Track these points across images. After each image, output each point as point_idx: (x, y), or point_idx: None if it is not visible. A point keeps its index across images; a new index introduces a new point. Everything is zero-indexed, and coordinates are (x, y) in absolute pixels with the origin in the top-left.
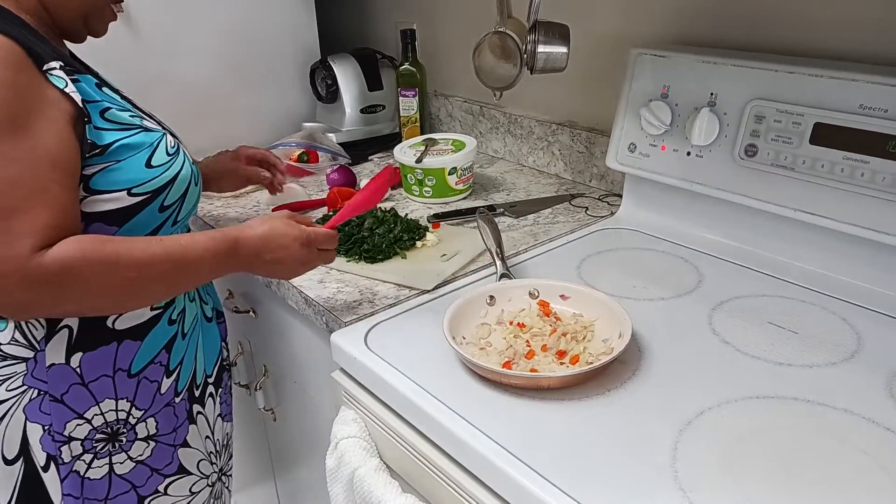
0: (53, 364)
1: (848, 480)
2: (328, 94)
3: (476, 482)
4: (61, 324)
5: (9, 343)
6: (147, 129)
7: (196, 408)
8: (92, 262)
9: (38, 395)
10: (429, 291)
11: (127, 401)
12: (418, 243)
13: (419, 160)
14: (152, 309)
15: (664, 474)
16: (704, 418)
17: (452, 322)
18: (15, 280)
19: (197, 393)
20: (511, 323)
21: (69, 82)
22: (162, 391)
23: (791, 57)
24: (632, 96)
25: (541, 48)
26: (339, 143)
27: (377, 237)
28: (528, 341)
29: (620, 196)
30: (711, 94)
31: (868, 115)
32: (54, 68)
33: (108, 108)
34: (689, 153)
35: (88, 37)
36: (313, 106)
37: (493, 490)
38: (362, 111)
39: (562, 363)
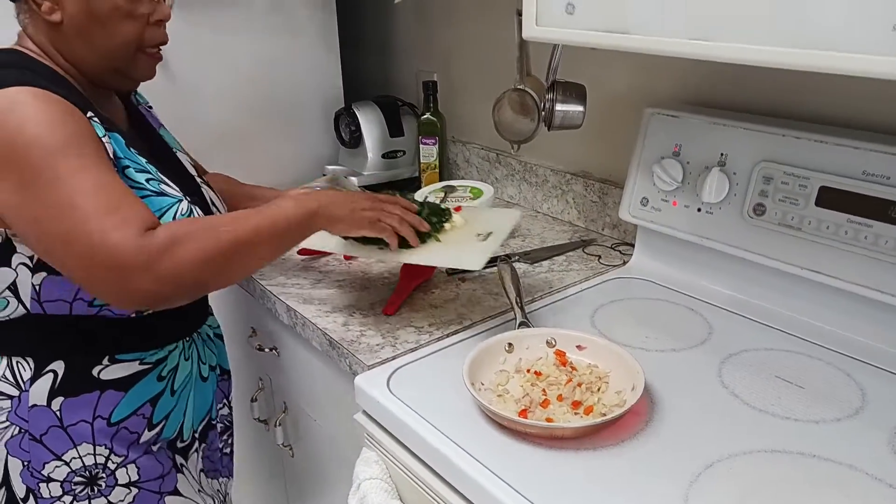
0: (35, 405)
1: None
2: (351, 139)
3: None
4: (48, 367)
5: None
6: (161, 195)
7: (179, 459)
8: (194, 228)
9: (20, 432)
10: (478, 271)
11: (105, 447)
12: (446, 225)
13: None
14: (141, 363)
15: None
16: (714, 471)
17: (472, 368)
18: (139, 259)
19: (180, 446)
20: (528, 371)
21: (105, 132)
22: (140, 441)
23: (799, 122)
24: (645, 153)
25: (559, 107)
26: (361, 187)
27: None
28: (544, 390)
29: (632, 245)
30: (722, 154)
31: (871, 181)
32: (92, 117)
33: (127, 167)
34: (699, 209)
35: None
36: (336, 150)
37: None
38: (384, 156)
39: (576, 413)
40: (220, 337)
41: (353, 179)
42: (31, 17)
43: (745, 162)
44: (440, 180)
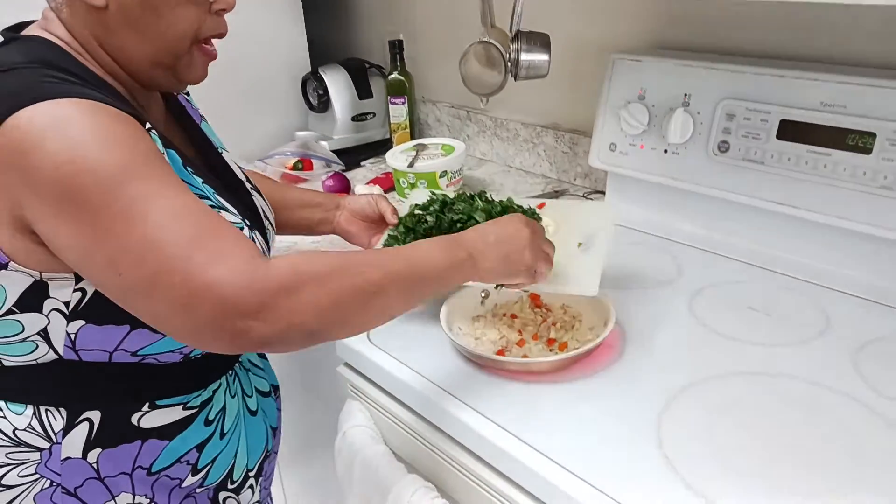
0: (69, 458)
1: (816, 444)
2: (320, 103)
3: (477, 460)
4: (81, 417)
5: (25, 430)
6: None
7: (223, 494)
8: (321, 267)
9: (51, 485)
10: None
11: (146, 497)
12: None
13: (411, 165)
14: (185, 408)
15: (650, 445)
16: (685, 395)
17: (449, 315)
18: (253, 300)
19: (231, 486)
20: (504, 315)
21: (164, 151)
22: (182, 486)
23: (758, 59)
24: (611, 99)
25: (523, 56)
26: (333, 151)
27: None
28: (519, 331)
29: (604, 193)
30: (685, 95)
31: (828, 112)
32: (151, 129)
33: None
34: (666, 150)
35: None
36: (305, 116)
37: (493, 467)
38: (353, 119)
39: (551, 350)
40: (263, 355)
41: (325, 144)
42: None
43: (708, 101)
44: (411, 140)
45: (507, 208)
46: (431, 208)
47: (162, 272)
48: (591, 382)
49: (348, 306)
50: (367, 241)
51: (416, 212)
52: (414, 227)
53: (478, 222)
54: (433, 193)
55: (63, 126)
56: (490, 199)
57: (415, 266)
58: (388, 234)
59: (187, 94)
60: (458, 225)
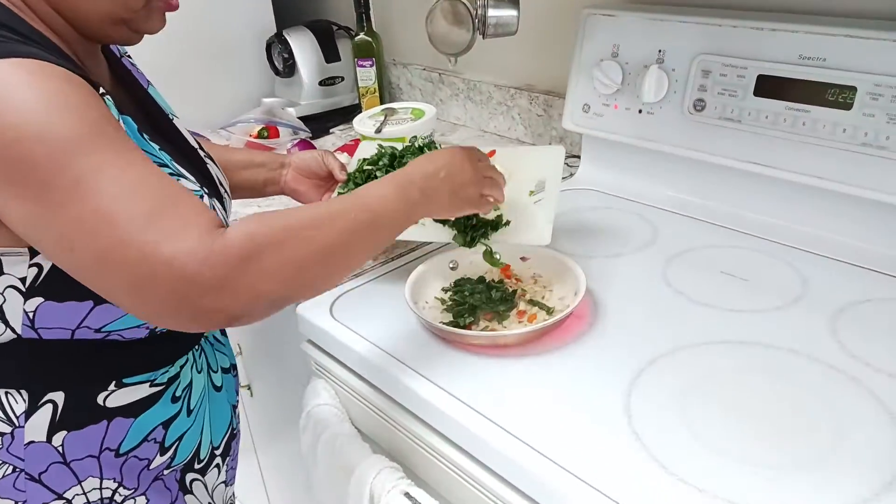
0: (32, 441)
1: (792, 416)
2: (285, 68)
3: (444, 440)
4: (45, 398)
5: None
6: None
7: (191, 476)
8: (278, 230)
9: (13, 471)
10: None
11: (114, 480)
12: None
13: (378, 130)
14: (152, 385)
15: (618, 420)
16: (656, 366)
17: (415, 288)
18: (206, 271)
19: (198, 466)
20: None
21: (119, 117)
22: (150, 468)
23: (734, 10)
24: (583, 57)
25: (491, 12)
26: (300, 117)
27: None
28: None
29: (580, 157)
30: (659, 51)
31: (808, 66)
32: (105, 94)
33: None
34: (640, 111)
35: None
36: (272, 81)
37: (460, 447)
38: (321, 84)
39: (521, 322)
40: (224, 332)
41: (291, 110)
42: None
43: (683, 57)
44: (381, 104)
45: None
46: (381, 162)
47: (115, 248)
48: (560, 355)
49: (310, 267)
50: (316, 199)
51: (366, 167)
52: (364, 184)
53: None
54: (380, 146)
55: (8, 89)
56: (440, 147)
57: (372, 213)
58: (338, 192)
59: (129, 56)
60: None
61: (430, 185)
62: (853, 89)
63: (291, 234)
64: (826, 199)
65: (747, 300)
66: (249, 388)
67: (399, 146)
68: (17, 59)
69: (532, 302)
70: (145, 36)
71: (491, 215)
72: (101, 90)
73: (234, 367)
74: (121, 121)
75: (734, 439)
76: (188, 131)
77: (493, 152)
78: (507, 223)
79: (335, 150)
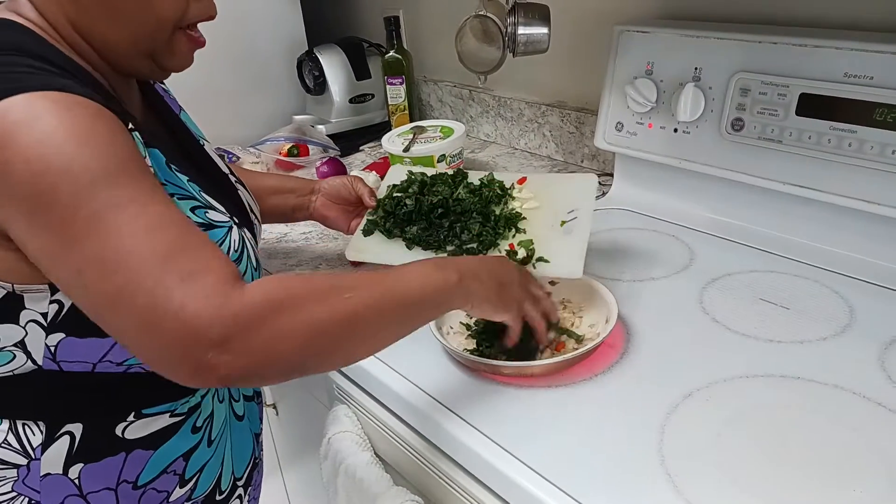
0: (49, 474)
1: (835, 461)
2: (316, 85)
3: (467, 475)
4: (62, 431)
5: (0, 446)
6: (211, 225)
7: None
8: (300, 291)
9: (29, 503)
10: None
11: None
12: (515, 203)
13: (407, 149)
14: (172, 416)
15: (651, 461)
16: (692, 401)
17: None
18: (219, 332)
19: (219, 497)
20: None
21: (146, 151)
22: (170, 500)
23: (774, 27)
24: (616, 74)
25: (521, 30)
26: (331, 135)
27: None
28: None
29: (612, 175)
30: (696, 68)
31: (853, 84)
32: (133, 129)
33: (171, 196)
34: (675, 130)
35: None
36: (303, 99)
37: (484, 483)
38: (351, 101)
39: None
40: None
41: (321, 128)
42: None
43: (721, 75)
44: (410, 122)
45: (490, 182)
46: (411, 189)
47: (126, 289)
48: (591, 386)
49: (330, 336)
50: (345, 226)
51: (395, 194)
52: (394, 212)
53: (460, 204)
54: (410, 172)
55: (38, 122)
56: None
57: (405, 288)
58: (367, 219)
59: (163, 83)
60: (440, 210)
61: (472, 272)
62: None
63: (313, 296)
64: (874, 223)
65: (789, 330)
66: (275, 408)
67: (430, 171)
68: (50, 93)
69: (561, 329)
70: None
71: (521, 252)
72: (130, 126)
73: (257, 394)
74: (148, 155)
75: (774, 485)
76: (219, 155)
77: (523, 179)
78: (542, 259)
79: (364, 169)
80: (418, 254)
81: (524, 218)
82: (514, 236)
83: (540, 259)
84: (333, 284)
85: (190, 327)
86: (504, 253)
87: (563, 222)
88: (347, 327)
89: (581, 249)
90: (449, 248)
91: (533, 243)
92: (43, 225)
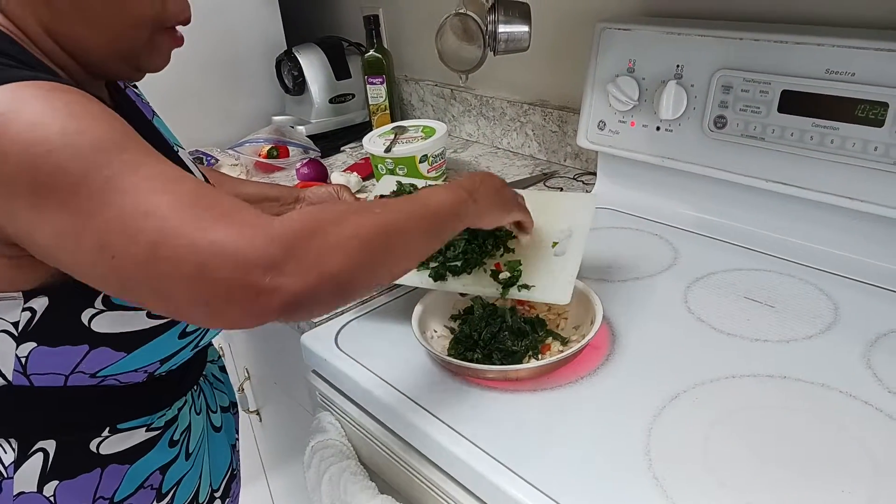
0: (22, 492)
1: (823, 460)
2: (295, 85)
3: (453, 482)
4: (35, 448)
5: None
6: None
7: None
8: (334, 210)
9: None
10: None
11: None
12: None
13: (388, 149)
14: (148, 430)
15: (638, 463)
16: (678, 402)
17: (422, 316)
18: (272, 252)
19: None
20: None
21: None
22: None
23: (756, 24)
24: (598, 72)
25: (501, 28)
26: (311, 135)
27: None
28: None
29: (595, 174)
30: (678, 66)
31: (835, 80)
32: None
33: None
34: (658, 128)
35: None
36: (282, 99)
37: (469, 490)
38: (331, 101)
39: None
40: (224, 368)
41: (301, 129)
42: None
43: (703, 72)
44: (392, 122)
45: None
46: None
47: (162, 241)
48: (576, 389)
49: (374, 247)
50: None
51: None
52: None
53: None
54: (399, 183)
55: (27, 106)
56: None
57: (426, 204)
58: None
59: (135, 86)
60: None
61: (474, 187)
62: (885, 105)
63: (350, 213)
64: (857, 219)
65: (775, 329)
66: (258, 414)
67: (420, 183)
68: (34, 81)
69: (546, 332)
70: None
71: (505, 273)
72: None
73: (233, 404)
74: None
75: (762, 485)
76: (197, 157)
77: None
78: (524, 286)
79: (345, 170)
80: None
81: (514, 237)
82: (501, 255)
83: (523, 286)
84: (361, 206)
85: (241, 257)
86: (489, 273)
87: (555, 243)
88: (387, 238)
89: (572, 273)
90: (433, 263)
91: (520, 264)
92: (54, 207)
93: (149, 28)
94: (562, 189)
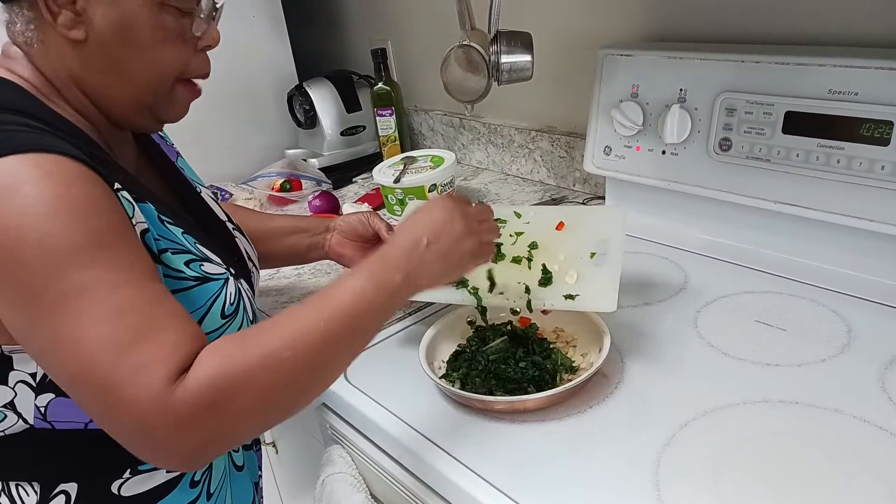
0: None
1: (837, 488)
2: (307, 119)
3: None
4: (56, 490)
5: None
6: (205, 280)
7: None
8: (246, 366)
9: None
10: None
11: None
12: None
13: (397, 180)
14: (169, 471)
15: (648, 495)
16: (689, 430)
17: (429, 348)
18: (165, 423)
19: None
20: None
21: (136, 207)
22: None
23: (758, 45)
24: (602, 98)
25: (504, 59)
26: (323, 168)
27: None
28: None
29: (604, 199)
30: (681, 90)
31: (839, 100)
32: (120, 189)
33: (165, 251)
34: (663, 151)
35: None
36: (296, 133)
37: None
38: (342, 133)
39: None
40: None
41: (313, 161)
42: (39, 30)
43: (706, 95)
44: (402, 152)
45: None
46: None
47: (82, 376)
48: (585, 419)
49: (286, 392)
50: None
51: None
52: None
53: None
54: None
55: (21, 188)
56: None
57: (347, 316)
58: None
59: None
60: None
61: (412, 261)
62: (890, 123)
63: (257, 366)
64: (866, 239)
65: (787, 353)
66: (275, 446)
67: None
68: (34, 155)
69: (555, 360)
70: None
71: (537, 275)
72: (117, 186)
73: (256, 441)
74: (137, 210)
75: None
76: (213, 192)
77: (561, 224)
78: (571, 297)
79: (356, 201)
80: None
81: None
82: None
83: (568, 297)
84: (271, 346)
85: (145, 420)
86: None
87: (592, 254)
88: (297, 380)
89: (614, 281)
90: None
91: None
92: (12, 299)
93: (172, 80)
94: None
